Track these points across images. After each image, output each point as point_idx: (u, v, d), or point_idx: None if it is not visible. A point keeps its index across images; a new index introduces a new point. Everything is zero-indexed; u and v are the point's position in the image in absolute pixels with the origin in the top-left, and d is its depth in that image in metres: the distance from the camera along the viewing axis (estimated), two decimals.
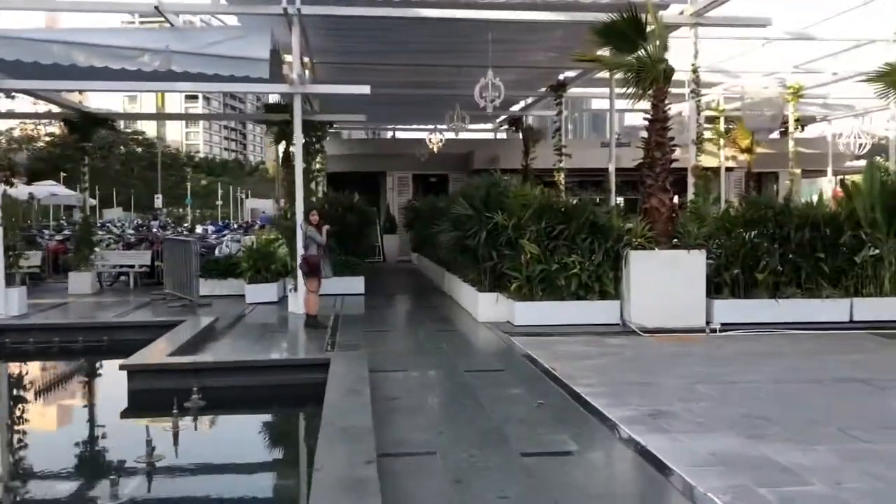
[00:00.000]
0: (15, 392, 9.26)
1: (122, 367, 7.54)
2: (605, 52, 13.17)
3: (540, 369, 8.33)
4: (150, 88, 11.79)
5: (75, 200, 36.85)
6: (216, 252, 18.38)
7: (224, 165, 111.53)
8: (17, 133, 59.29)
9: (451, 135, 23.35)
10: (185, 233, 29.57)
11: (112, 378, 8.18)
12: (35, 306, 13.40)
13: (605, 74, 20.33)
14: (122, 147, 66.57)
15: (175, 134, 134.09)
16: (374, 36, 15.13)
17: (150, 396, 7.47)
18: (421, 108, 23.31)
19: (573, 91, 21.30)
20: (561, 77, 19.78)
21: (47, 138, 61.59)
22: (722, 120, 22.68)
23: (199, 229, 34.51)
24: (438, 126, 22.27)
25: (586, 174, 23.65)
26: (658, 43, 11.35)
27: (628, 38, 11.18)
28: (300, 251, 12.54)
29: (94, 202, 38.14)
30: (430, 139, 21.75)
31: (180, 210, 64.45)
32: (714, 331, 10.64)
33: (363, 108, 21.61)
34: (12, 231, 12.27)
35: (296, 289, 12.54)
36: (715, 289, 11.39)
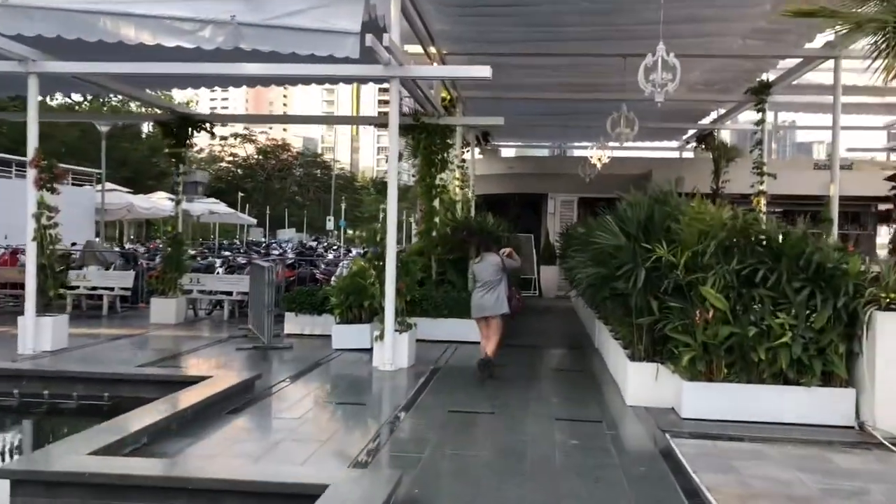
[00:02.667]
0: None
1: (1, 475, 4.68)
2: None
3: None
4: (207, 71, 9.21)
5: (236, 219, 36.49)
6: (332, 280, 15.79)
7: (407, 190, 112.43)
8: (203, 155, 61.68)
9: (620, 153, 19.53)
10: (331, 254, 27.56)
11: None
12: (87, 338, 11.24)
13: (823, 78, 15.96)
14: (300, 169, 67.61)
15: (368, 160, 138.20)
16: (512, 16, 11.82)
17: None
18: (585, 119, 19.63)
19: (779, 98, 16.79)
20: (764, 77, 15.47)
21: (230, 158, 63.81)
22: None
23: (354, 251, 32.70)
24: (604, 140, 18.39)
25: (793, 202, 18.98)
26: None
27: None
28: (388, 283, 9.41)
29: (251, 221, 37.58)
30: (592, 154, 17.96)
31: (353, 231, 64.19)
32: None
33: (514, 118, 18.43)
34: (49, 246, 10.01)
35: (382, 337, 9.38)
36: None
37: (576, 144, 27.00)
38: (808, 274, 7.11)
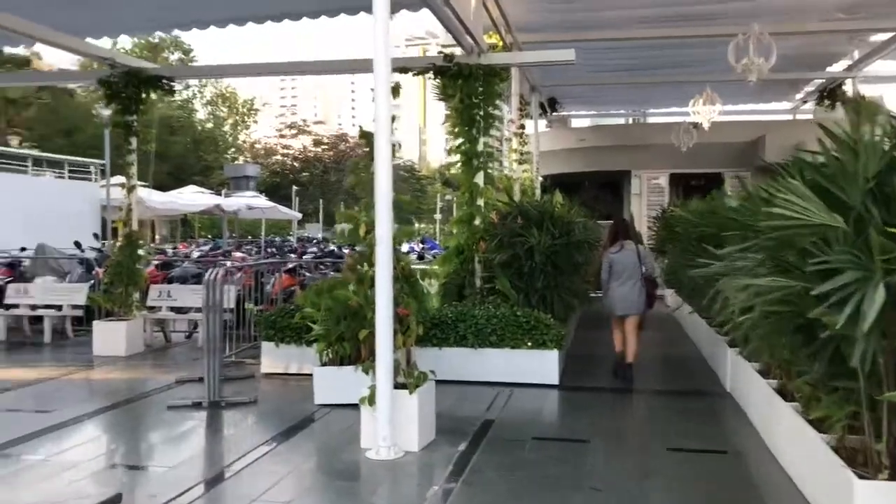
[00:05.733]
0: None
1: None
2: None
3: None
4: None
5: (278, 213, 33.16)
6: None
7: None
8: (259, 146, 59.10)
9: (718, 118, 14.96)
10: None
11: None
12: None
13: None
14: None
15: (438, 153, 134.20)
16: None
17: None
18: (679, 71, 15.22)
19: None
20: None
21: (284, 151, 60.92)
22: None
23: (405, 247, 28.94)
24: (712, 93, 13.84)
25: None
26: None
27: None
28: (381, 308, 5.46)
29: (296, 215, 34.08)
30: (695, 112, 13.49)
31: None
32: None
33: (586, 74, 14.46)
34: None
35: (371, 400, 5.44)
36: None
37: (660, 111, 22.32)
38: None
